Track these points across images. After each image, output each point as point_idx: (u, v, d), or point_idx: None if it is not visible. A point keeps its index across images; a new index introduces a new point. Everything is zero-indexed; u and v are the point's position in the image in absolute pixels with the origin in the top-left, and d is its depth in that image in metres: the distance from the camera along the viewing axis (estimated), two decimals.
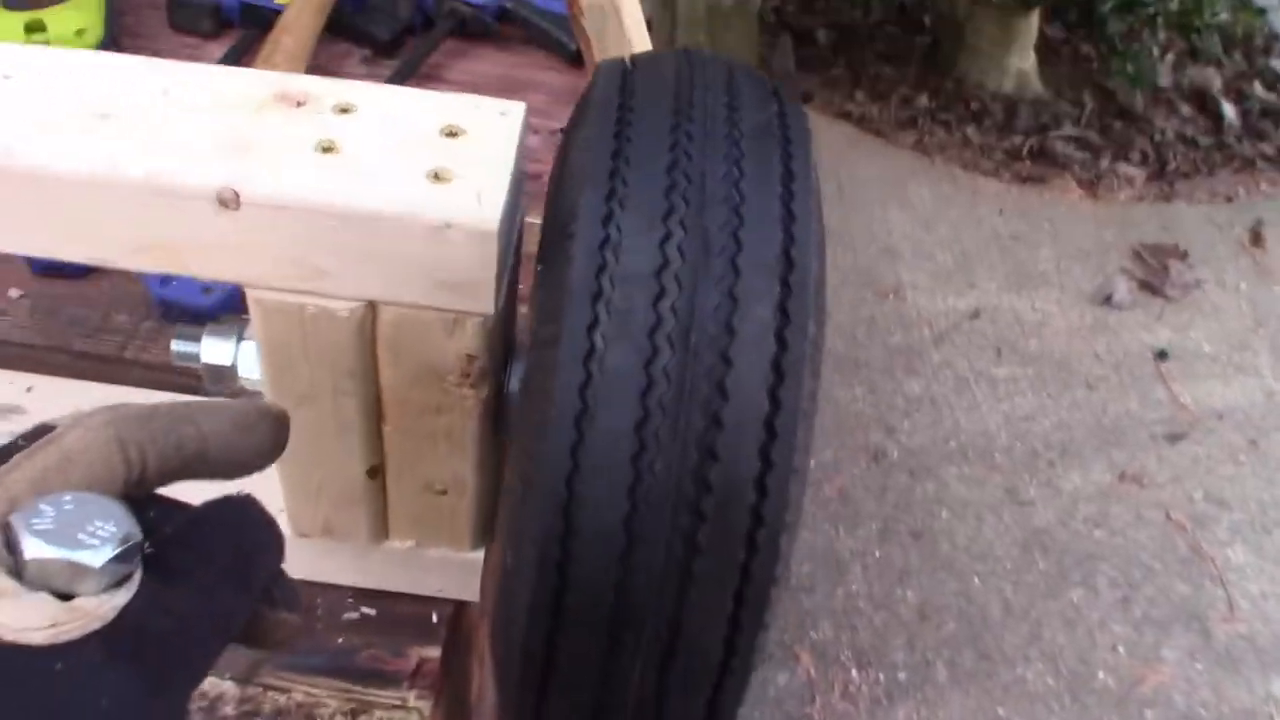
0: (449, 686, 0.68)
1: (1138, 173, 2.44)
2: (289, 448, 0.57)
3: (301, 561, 0.65)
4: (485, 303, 0.49)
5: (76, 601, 0.33)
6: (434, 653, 0.65)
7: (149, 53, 1.02)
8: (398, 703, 0.62)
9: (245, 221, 0.47)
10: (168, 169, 0.46)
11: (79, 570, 0.33)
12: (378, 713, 0.62)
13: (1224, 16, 2.73)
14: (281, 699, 0.62)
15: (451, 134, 0.50)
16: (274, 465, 0.57)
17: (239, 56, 1.03)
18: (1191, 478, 1.75)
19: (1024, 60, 2.70)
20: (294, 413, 0.54)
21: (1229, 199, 2.36)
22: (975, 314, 2.03)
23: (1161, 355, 1.97)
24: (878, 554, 1.60)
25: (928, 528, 1.65)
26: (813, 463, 1.52)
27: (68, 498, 0.34)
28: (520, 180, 0.52)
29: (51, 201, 0.47)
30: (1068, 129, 2.57)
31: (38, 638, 0.32)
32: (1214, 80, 2.68)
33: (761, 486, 0.42)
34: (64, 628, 0.32)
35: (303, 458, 0.57)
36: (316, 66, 1.02)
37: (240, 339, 0.57)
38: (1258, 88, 2.70)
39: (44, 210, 0.48)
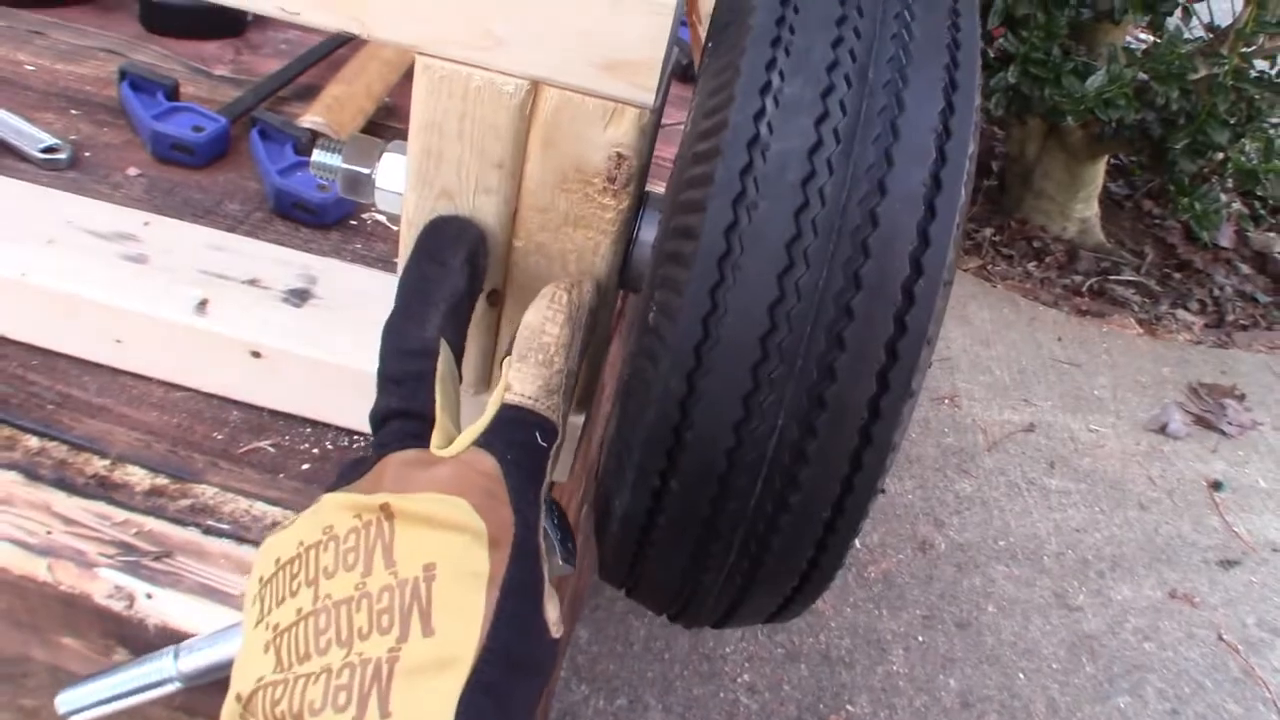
0: None
1: (1196, 319, 2.45)
2: None
3: None
4: (647, 91, 0.50)
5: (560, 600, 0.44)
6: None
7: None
8: None
9: None
10: None
11: (565, 572, 0.46)
12: None
13: None
14: None
15: None
16: (398, 288, 0.58)
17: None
18: (1245, 603, 1.70)
19: (1088, 209, 2.75)
20: (429, 215, 0.55)
21: None
22: (1030, 428, 2.01)
23: (1216, 486, 1.94)
24: (921, 639, 1.55)
25: (973, 620, 1.60)
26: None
27: (555, 508, 0.48)
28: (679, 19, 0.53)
29: None
30: (1127, 275, 2.60)
31: (556, 632, 0.43)
32: (1275, 244, 2.71)
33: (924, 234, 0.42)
34: (560, 625, 0.43)
35: None
36: None
37: (383, 151, 0.58)
38: None
39: None
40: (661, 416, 0.43)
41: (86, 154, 0.85)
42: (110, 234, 0.70)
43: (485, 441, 0.44)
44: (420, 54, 0.50)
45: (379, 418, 0.47)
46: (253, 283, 0.67)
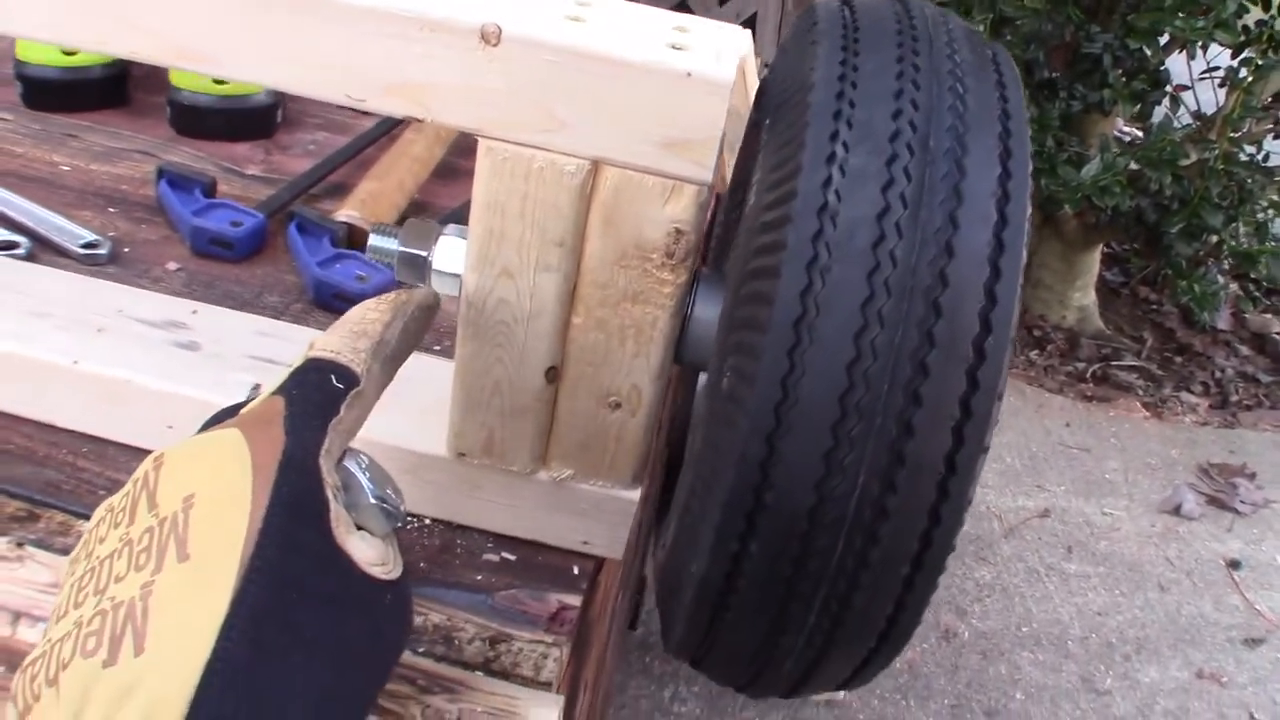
0: (580, 637, 0.65)
1: (1200, 401, 2.46)
2: (474, 344, 0.58)
3: (448, 499, 0.64)
4: (705, 168, 0.51)
5: (392, 547, 0.42)
6: (574, 600, 0.63)
7: (314, 124, 1.09)
8: (537, 640, 0.60)
9: (500, 59, 0.50)
10: (441, 14, 0.50)
11: (388, 517, 0.43)
12: (517, 643, 0.60)
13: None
14: (419, 619, 0.60)
15: (681, 29, 0.54)
16: (455, 368, 0.59)
17: (382, 135, 1.09)
18: (1273, 681, 1.68)
19: (1085, 297, 2.78)
20: (490, 294, 0.56)
21: None
22: (1045, 513, 2.01)
23: (1234, 565, 1.93)
24: None
25: (1002, 708, 1.57)
26: None
27: (365, 457, 0.45)
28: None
29: (318, 31, 0.51)
30: (1129, 360, 2.62)
31: (380, 573, 0.40)
32: (1273, 325, 2.75)
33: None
34: (390, 568, 0.41)
35: (486, 351, 0.58)
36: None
37: (439, 234, 0.59)
38: None
39: (309, 40, 0.51)
40: (741, 479, 0.43)
41: (125, 249, 0.87)
42: (160, 322, 0.71)
43: (278, 388, 0.44)
44: (483, 137, 0.52)
45: None
46: None
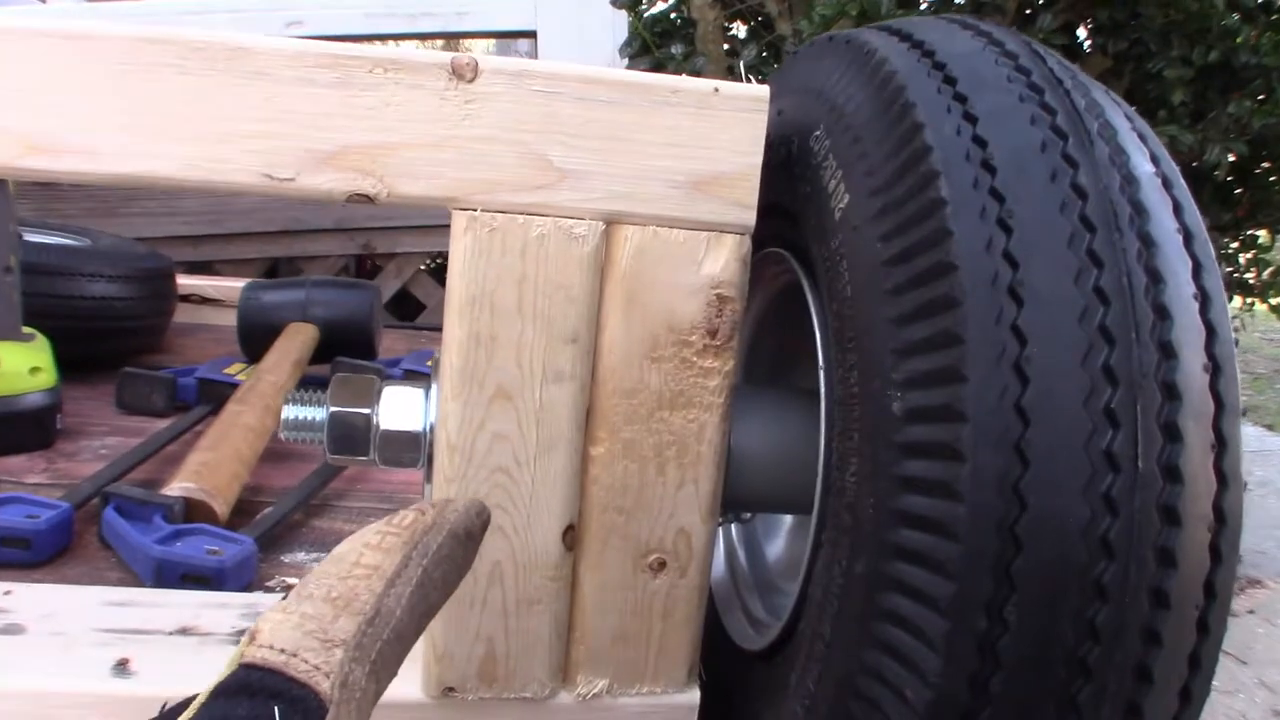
0: None
1: None
2: None
3: None
4: (747, 208, 0.41)
5: None
6: None
7: (101, 431, 0.92)
8: None
9: (480, 99, 0.39)
10: (396, 51, 0.39)
11: None
12: None
13: None
14: None
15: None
16: None
17: (192, 426, 0.93)
18: None
19: None
20: (480, 430, 0.42)
21: None
22: None
23: None
24: None
25: None
26: None
27: None
28: None
29: (227, 91, 0.38)
30: None
31: None
32: None
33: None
34: None
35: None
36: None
37: (381, 387, 0.45)
38: None
39: (213, 105, 0.38)
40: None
41: None
42: None
43: None
44: (459, 208, 0.40)
45: None
46: (184, 631, 0.49)
